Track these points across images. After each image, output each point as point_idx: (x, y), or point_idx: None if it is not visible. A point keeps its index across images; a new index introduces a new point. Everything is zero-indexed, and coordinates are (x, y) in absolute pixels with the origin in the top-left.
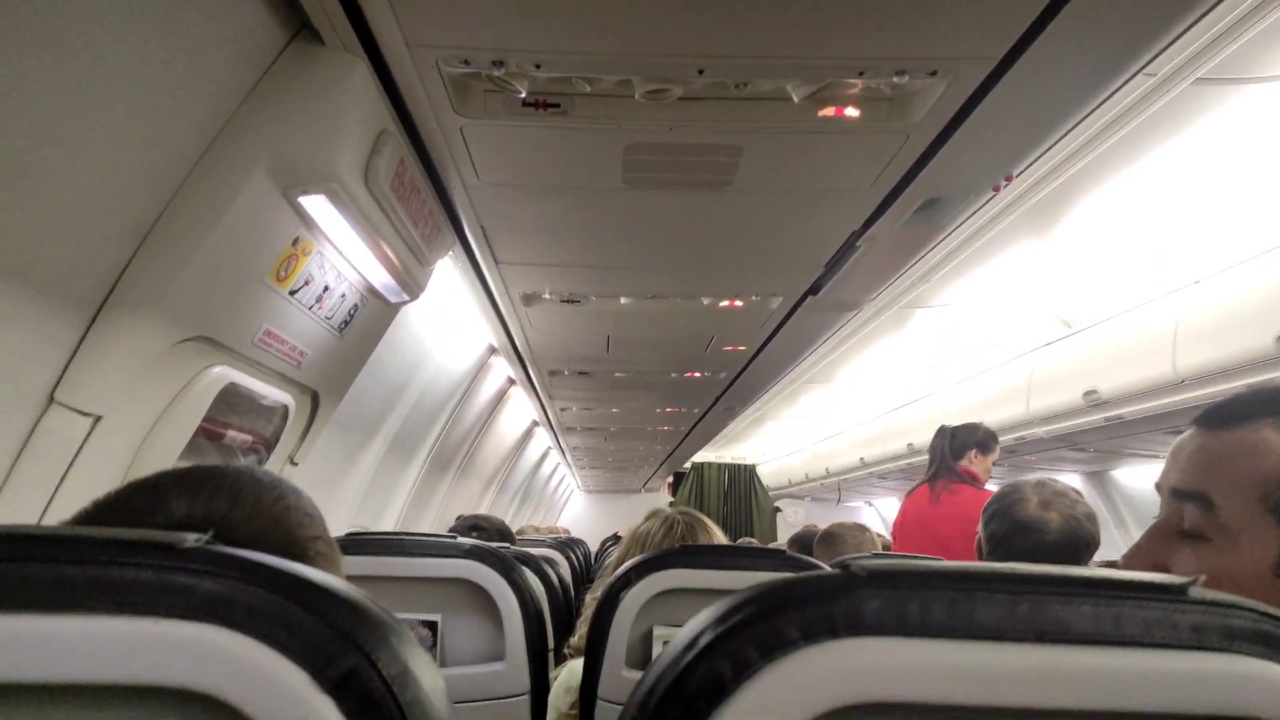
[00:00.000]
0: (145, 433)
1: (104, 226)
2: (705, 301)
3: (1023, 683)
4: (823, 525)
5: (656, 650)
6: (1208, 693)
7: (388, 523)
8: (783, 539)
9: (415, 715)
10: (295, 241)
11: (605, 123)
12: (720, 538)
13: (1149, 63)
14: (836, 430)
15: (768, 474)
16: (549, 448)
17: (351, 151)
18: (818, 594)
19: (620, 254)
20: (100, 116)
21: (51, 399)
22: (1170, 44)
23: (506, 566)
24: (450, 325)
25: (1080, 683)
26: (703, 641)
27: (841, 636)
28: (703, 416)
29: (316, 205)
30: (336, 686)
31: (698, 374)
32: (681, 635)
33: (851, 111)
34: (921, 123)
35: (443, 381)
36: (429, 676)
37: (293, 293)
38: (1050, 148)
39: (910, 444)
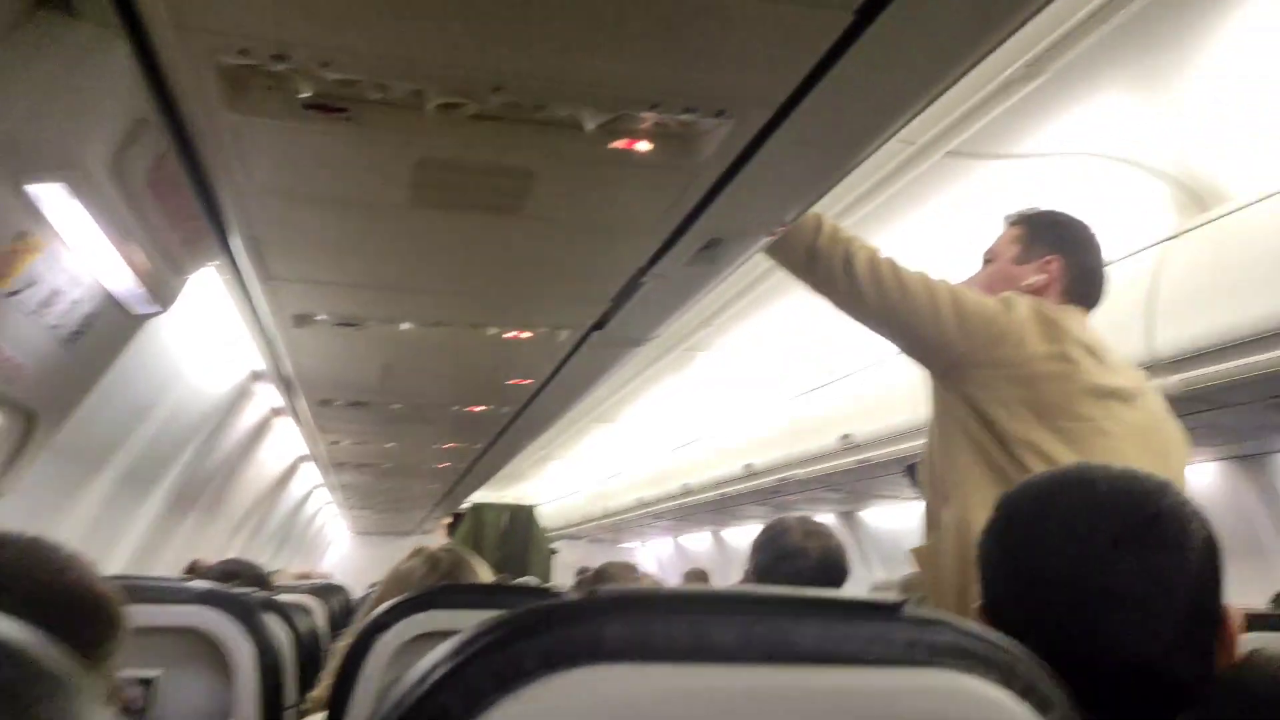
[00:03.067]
0: None
1: None
2: (491, 331)
3: (756, 702)
4: (595, 566)
5: None
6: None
7: (113, 567)
8: (559, 580)
9: None
10: (19, 236)
11: (395, 134)
12: (488, 576)
13: (906, 124)
14: (616, 471)
15: (548, 514)
16: (316, 485)
17: (101, 138)
18: (559, 620)
19: (404, 276)
20: None
21: None
22: (922, 109)
23: (246, 612)
24: (207, 345)
25: (807, 700)
26: (434, 676)
27: (582, 664)
28: (485, 452)
29: (52, 195)
30: None
31: (481, 407)
32: (419, 666)
33: (642, 145)
34: (707, 162)
35: (194, 408)
36: None
37: (12, 294)
38: (817, 200)
39: (685, 485)
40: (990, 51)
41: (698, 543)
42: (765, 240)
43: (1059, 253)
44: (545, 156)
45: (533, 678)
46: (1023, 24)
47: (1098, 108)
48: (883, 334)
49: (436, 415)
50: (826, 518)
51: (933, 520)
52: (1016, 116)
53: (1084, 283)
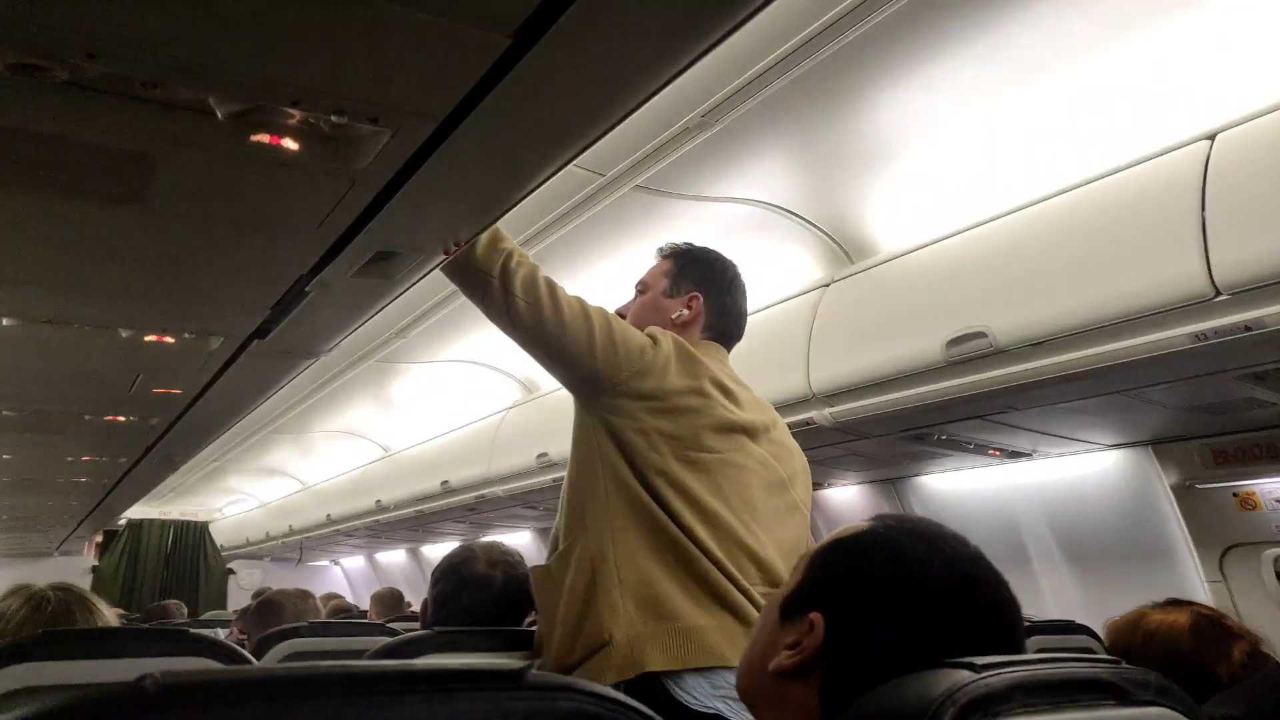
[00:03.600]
0: None
1: None
2: (125, 334)
3: None
4: (279, 586)
5: None
6: None
7: None
8: (235, 603)
9: None
10: None
11: None
12: (109, 619)
13: (581, 152)
14: (305, 484)
15: (224, 530)
16: None
17: None
18: (94, 717)
19: None
20: None
21: None
22: (596, 139)
23: None
24: None
25: None
26: None
27: None
28: (134, 466)
29: None
30: None
31: (122, 418)
32: None
33: (290, 143)
34: (368, 170)
35: None
36: None
37: None
38: (494, 219)
39: (378, 501)
40: (653, 93)
41: (394, 559)
42: (442, 258)
43: (702, 291)
44: (169, 143)
45: None
46: (681, 71)
47: (765, 161)
48: (533, 354)
49: (64, 425)
50: (523, 535)
51: (562, 542)
52: (697, 160)
53: (724, 321)
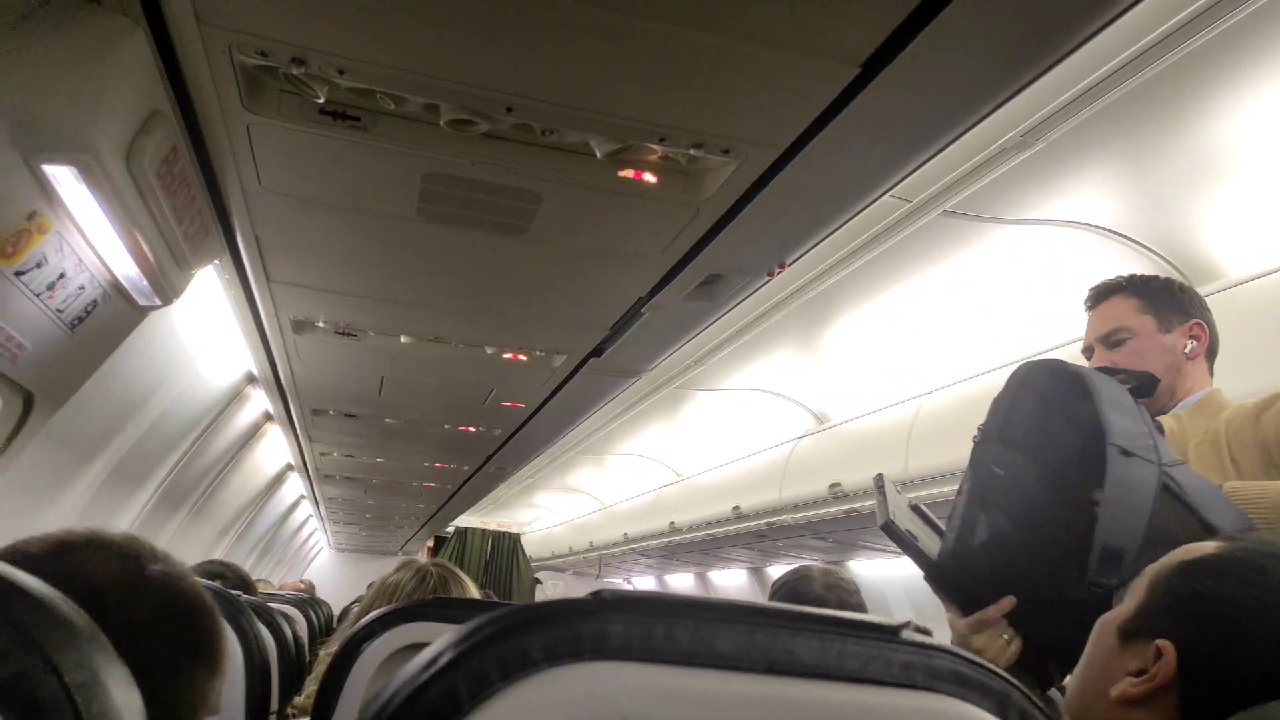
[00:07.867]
0: None
1: None
2: (489, 351)
3: (754, 711)
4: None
5: None
6: None
7: None
8: None
9: None
10: (31, 215)
11: (406, 146)
12: (475, 593)
13: (905, 178)
14: (604, 504)
15: (532, 543)
16: (301, 496)
17: (114, 126)
18: (565, 616)
19: (406, 289)
20: None
21: None
22: (922, 164)
23: (234, 611)
24: (206, 344)
25: (803, 714)
26: (443, 660)
27: (586, 660)
28: (473, 475)
29: (63, 177)
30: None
31: (473, 428)
32: (425, 653)
33: (649, 177)
34: (711, 199)
35: (188, 407)
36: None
37: (19, 274)
38: (816, 243)
39: (672, 522)
40: (987, 115)
41: (682, 583)
42: (763, 280)
43: (1198, 316)
44: (553, 180)
45: (537, 669)
46: (1018, 92)
47: (1088, 180)
48: None
49: (428, 433)
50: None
51: None
52: (1011, 182)
53: (1215, 342)
